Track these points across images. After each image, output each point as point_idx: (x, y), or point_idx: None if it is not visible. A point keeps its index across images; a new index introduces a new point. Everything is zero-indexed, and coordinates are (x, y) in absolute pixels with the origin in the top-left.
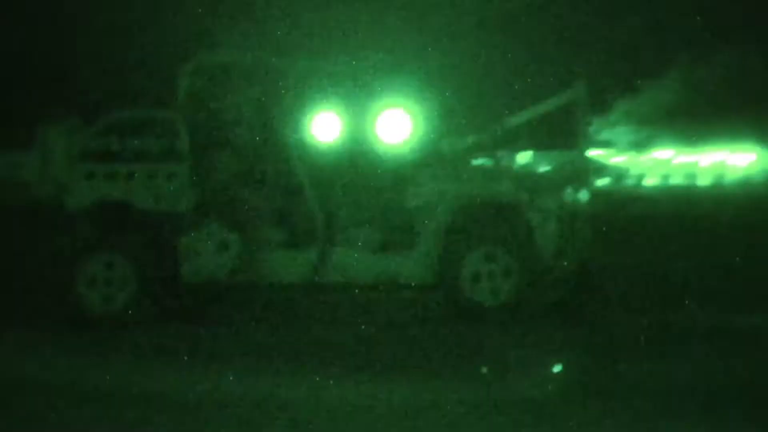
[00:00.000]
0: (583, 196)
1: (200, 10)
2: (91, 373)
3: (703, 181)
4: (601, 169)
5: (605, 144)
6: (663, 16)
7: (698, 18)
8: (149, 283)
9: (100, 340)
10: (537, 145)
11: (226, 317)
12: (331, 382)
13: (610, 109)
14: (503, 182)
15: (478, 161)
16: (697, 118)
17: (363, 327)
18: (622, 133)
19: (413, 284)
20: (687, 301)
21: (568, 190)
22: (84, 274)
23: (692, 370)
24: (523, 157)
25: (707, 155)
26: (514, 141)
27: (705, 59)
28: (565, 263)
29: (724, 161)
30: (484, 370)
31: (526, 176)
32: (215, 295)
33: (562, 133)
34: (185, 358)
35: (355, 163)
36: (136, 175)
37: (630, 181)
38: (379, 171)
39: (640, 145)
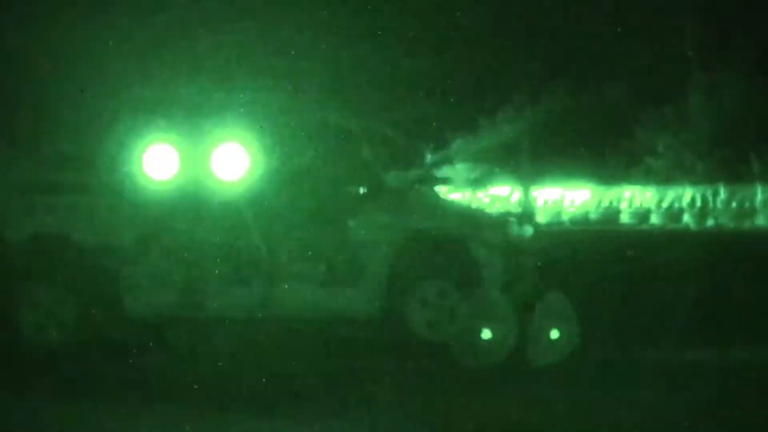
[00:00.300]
0: (528, 230)
1: None
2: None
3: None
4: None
5: (444, 181)
6: (504, 57)
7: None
8: (91, 316)
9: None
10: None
11: (167, 351)
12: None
13: (450, 146)
14: (448, 216)
15: (423, 194)
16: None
17: (308, 361)
18: (461, 170)
19: (358, 318)
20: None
21: (513, 225)
22: (25, 306)
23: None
24: (468, 190)
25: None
26: (459, 173)
27: (544, 97)
28: (511, 298)
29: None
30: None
31: (471, 210)
32: (158, 329)
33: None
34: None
35: (298, 194)
36: (76, 207)
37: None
38: (322, 203)
39: (479, 181)
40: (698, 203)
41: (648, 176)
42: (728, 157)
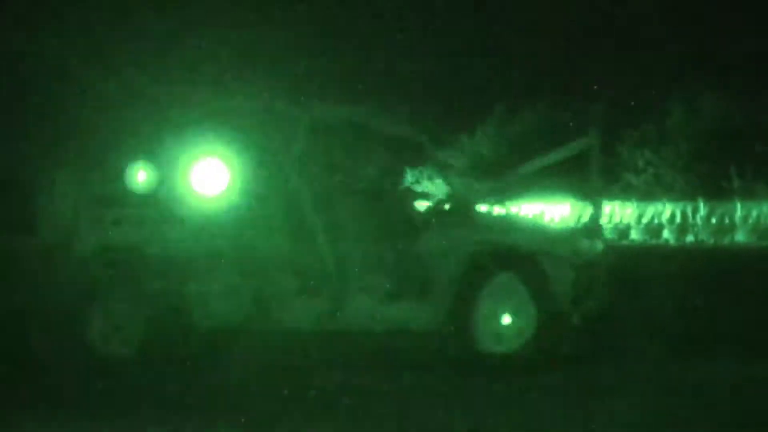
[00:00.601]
0: (598, 245)
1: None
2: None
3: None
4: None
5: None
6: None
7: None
8: (159, 328)
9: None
10: (551, 193)
11: (236, 365)
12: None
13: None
14: (518, 229)
15: (492, 208)
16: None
17: (374, 374)
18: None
19: (426, 332)
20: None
21: (583, 239)
22: (93, 320)
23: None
24: (539, 205)
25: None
26: (529, 188)
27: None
28: (581, 313)
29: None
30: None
31: (542, 224)
32: (227, 343)
33: (575, 181)
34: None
35: (366, 208)
36: (145, 219)
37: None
38: (389, 216)
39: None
40: None
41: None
42: None
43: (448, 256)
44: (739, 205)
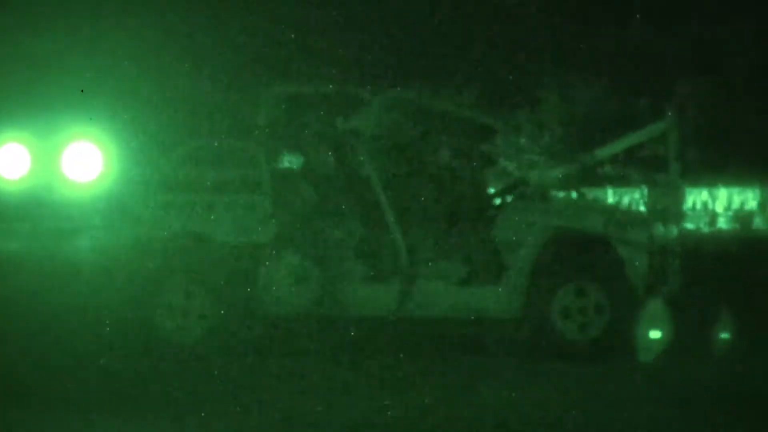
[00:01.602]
0: (673, 229)
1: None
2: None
3: None
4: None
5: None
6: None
7: None
8: (227, 315)
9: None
10: (627, 178)
11: (305, 351)
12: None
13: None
14: (593, 214)
15: (567, 193)
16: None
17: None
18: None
19: (500, 318)
20: None
21: (659, 224)
22: (162, 306)
23: None
24: (614, 189)
25: None
26: (605, 172)
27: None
28: (657, 297)
29: None
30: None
31: (616, 208)
32: (295, 328)
33: (652, 165)
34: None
35: (439, 193)
36: (214, 205)
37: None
38: (462, 200)
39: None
40: None
41: None
42: None
43: (523, 242)
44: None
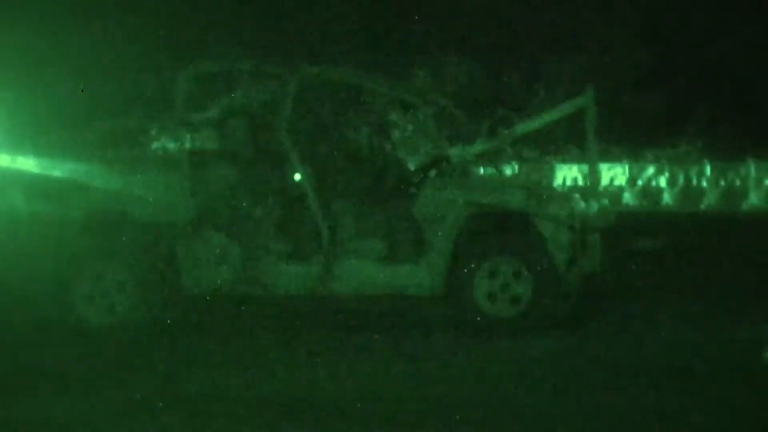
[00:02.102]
0: (593, 204)
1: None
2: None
3: None
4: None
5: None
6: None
7: None
8: (148, 294)
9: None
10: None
11: (226, 328)
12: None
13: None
14: (513, 190)
15: (487, 169)
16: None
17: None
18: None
19: (421, 296)
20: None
21: (578, 199)
22: (81, 286)
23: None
24: (533, 165)
25: None
26: (524, 148)
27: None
28: (577, 273)
29: None
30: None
31: (537, 184)
32: (216, 307)
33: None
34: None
35: (359, 170)
36: (133, 184)
37: None
38: (382, 178)
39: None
40: None
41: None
42: None
43: (444, 219)
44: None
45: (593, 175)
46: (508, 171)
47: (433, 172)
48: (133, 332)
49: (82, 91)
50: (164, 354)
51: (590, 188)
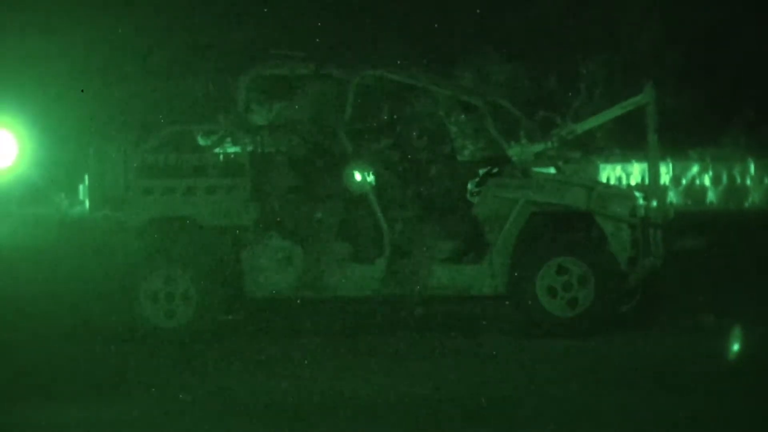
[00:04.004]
0: (654, 203)
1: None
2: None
3: None
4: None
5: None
6: None
7: None
8: (211, 298)
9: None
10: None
11: (288, 332)
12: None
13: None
14: (574, 189)
15: (547, 168)
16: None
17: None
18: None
19: (484, 296)
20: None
21: (640, 197)
22: (145, 290)
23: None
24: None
25: None
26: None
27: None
28: (639, 271)
29: None
30: None
31: (597, 183)
32: (278, 310)
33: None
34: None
35: (420, 171)
36: (195, 189)
37: None
38: (443, 179)
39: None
40: None
41: None
42: None
43: (505, 219)
44: None
45: (653, 171)
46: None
47: (493, 172)
48: (196, 335)
49: (82, 91)
50: (224, 357)
51: (651, 184)
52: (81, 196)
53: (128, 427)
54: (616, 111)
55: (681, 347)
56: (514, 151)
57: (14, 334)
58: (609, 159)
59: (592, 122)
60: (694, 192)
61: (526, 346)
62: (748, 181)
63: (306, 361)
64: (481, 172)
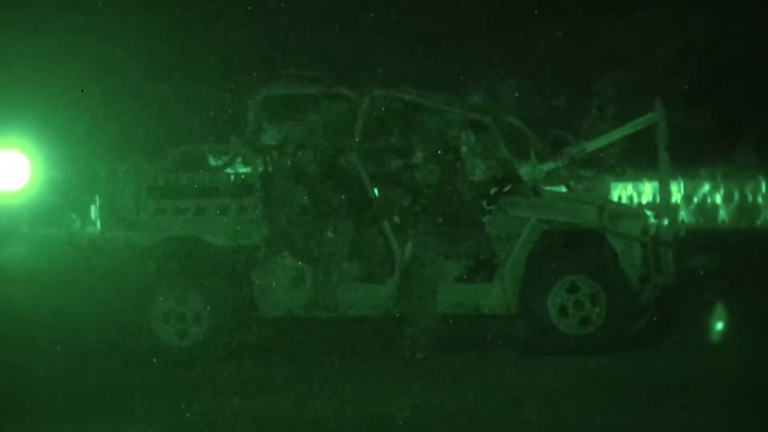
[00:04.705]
0: (665, 221)
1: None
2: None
3: None
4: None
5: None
6: None
7: None
8: (223, 317)
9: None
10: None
11: (298, 352)
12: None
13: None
14: (585, 207)
15: (557, 187)
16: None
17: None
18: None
19: (496, 315)
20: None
21: (650, 215)
22: (157, 310)
23: None
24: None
25: None
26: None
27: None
28: (651, 289)
29: None
30: None
31: (608, 201)
32: (289, 330)
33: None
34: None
35: (430, 190)
36: (207, 209)
37: None
38: (454, 198)
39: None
40: None
41: None
42: None
43: (516, 237)
44: None
45: (664, 189)
46: (580, 188)
47: (505, 191)
48: (208, 355)
49: (82, 91)
50: (235, 377)
51: (661, 202)
52: (93, 217)
53: None
54: (626, 129)
55: (692, 365)
56: (525, 170)
57: (25, 354)
58: (621, 178)
59: (602, 141)
60: (706, 210)
61: (536, 364)
62: (760, 199)
63: (319, 381)
64: (493, 191)
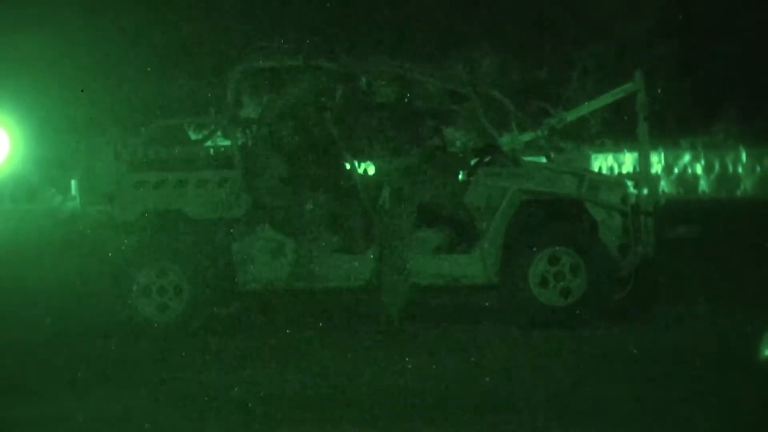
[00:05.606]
0: (646, 191)
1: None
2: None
3: None
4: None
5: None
6: None
7: None
8: (204, 290)
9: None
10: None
11: (279, 324)
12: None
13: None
14: (566, 177)
15: (537, 157)
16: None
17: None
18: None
19: (475, 285)
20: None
21: (630, 185)
22: (137, 283)
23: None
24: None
25: None
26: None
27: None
28: (631, 259)
29: None
30: None
31: (588, 171)
32: (270, 302)
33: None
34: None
35: (410, 162)
36: (186, 182)
37: None
38: (433, 169)
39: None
40: None
41: None
42: None
43: (496, 208)
44: None
45: (644, 159)
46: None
47: (484, 162)
48: (189, 328)
49: (82, 91)
50: (216, 350)
51: (641, 172)
52: (73, 192)
53: (118, 420)
54: (606, 99)
55: (672, 336)
56: (504, 141)
57: (5, 328)
58: (601, 149)
59: (582, 110)
60: (686, 181)
61: (516, 335)
62: (740, 170)
63: (298, 353)
64: (472, 161)
